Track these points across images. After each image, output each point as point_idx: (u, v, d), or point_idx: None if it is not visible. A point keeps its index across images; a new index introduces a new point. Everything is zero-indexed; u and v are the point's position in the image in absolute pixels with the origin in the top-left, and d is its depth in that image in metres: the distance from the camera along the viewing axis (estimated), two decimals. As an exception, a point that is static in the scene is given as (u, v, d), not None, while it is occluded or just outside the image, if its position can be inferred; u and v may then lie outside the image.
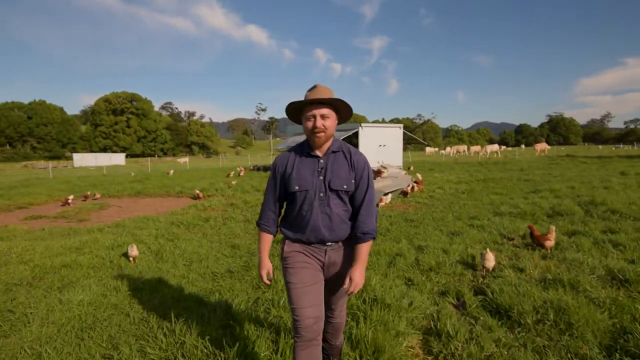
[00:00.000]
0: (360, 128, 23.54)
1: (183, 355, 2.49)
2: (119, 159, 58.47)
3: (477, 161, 29.51)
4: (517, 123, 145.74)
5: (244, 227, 7.22)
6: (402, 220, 7.53)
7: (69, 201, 11.68)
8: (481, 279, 3.95)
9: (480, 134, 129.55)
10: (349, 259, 2.00)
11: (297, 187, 1.93)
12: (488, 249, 4.18)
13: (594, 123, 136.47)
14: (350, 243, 2.00)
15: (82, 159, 55.45)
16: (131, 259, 4.94)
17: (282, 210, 2.12)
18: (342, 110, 2.00)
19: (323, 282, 2.01)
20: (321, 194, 1.92)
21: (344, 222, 1.97)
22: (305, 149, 2.00)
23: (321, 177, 1.93)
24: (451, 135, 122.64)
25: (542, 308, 2.98)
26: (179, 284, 4.06)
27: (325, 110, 1.90)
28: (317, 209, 1.92)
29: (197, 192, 11.85)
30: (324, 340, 2.23)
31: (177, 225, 7.27)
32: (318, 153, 1.97)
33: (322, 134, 1.90)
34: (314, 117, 1.89)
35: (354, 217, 2.01)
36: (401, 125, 26.16)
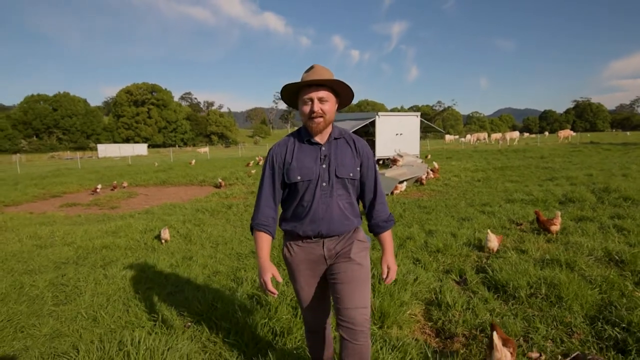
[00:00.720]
0: (377, 117, 23.63)
1: (216, 318, 2.90)
2: (141, 149, 60.00)
3: (497, 149, 29.24)
4: (541, 109, 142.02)
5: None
6: (415, 207, 7.82)
7: (98, 190, 12.40)
8: (484, 260, 4.26)
9: (503, 120, 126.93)
10: (352, 244, 1.87)
11: (299, 177, 1.78)
12: (489, 230, 4.48)
13: (623, 108, 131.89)
14: (350, 233, 1.89)
15: (107, 150, 57.22)
16: (163, 241, 5.43)
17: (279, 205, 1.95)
18: (342, 93, 1.83)
19: (326, 284, 1.92)
20: (324, 184, 1.79)
21: (345, 216, 1.83)
22: (304, 136, 1.84)
23: (324, 166, 1.79)
24: (472, 123, 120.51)
25: (535, 284, 3.28)
26: (208, 263, 4.50)
27: (323, 93, 1.73)
28: (319, 200, 1.78)
29: (220, 180, 12.39)
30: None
31: (202, 212, 7.76)
32: (319, 140, 1.82)
33: (321, 119, 1.75)
34: (311, 100, 1.73)
35: (369, 206, 1.92)
36: (418, 113, 26.05)
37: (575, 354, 2.33)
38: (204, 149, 50.12)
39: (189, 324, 2.90)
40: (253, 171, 15.74)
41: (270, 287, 1.74)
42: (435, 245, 4.65)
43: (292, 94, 1.82)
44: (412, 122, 25.77)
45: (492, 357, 2.03)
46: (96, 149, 62.96)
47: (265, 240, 1.84)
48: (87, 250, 5.19)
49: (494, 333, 2.05)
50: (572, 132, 42.04)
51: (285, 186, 1.86)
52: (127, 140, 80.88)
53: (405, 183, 10.72)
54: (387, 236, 1.91)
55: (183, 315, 3.04)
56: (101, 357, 2.35)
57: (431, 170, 12.92)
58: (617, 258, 3.91)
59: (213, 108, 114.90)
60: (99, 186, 12.69)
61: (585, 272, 3.56)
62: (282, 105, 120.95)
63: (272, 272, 1.77)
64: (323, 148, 1.82)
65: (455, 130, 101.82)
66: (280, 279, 1.76)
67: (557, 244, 4.69)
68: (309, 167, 1.78)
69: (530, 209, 7.02)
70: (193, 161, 23.80)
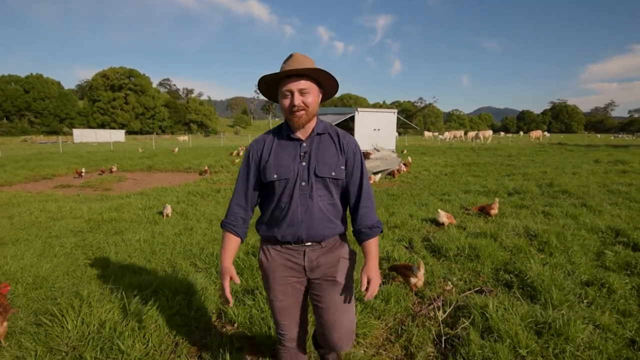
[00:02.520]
0: (356, 112, 24.68)
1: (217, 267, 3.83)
2: (119, 135, 59.25)
3: (471, 147, 30.72)
4: (520, 109, 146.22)
5: (249, 197, 8.52)
6: (384, 195, 8.86)
7: (82, 173, 12.84)
8: (431, 233, 5.31)
9: (482, 119, 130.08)
10: (339, 259, 1.74)
11: (275, 176, 1.65)
12: (440, 209, 5.55)
13: (598, 111, 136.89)
14: (337, 242, 1.76)
15: (82, 135, 56.20)
16: (165, 216, 6.28)
17: (254, 208, 1.83)
18: (326, 84, 1.69)
19: (303, 294, 1.81)
20: (303, 183, 1.64)
21: (328, 219, 1.68)
22: (284, 132, 1.71)
23: (304, 164, 1.65)
24: (452, 120, 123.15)
25: (462, 247, 4.34)
26: (205, 232, 5.40)
27: (304, 84, 1.59)
28: (297, 201, 1.64)
29: (206, 168, 13.16)
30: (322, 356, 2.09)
31: (193, 195, 8.58)
32: (300, 135, 1.69)
33: (303, 112, 1.60)
34: (291, 92, 1.59)
35: (353, 210, 1.76)
36: (395, 110, 27.11)
37: (477, 288, 3.38)
38: (184, 137, 50.10)
39: (199, 269, 3.82)
40: (237, 160, 16.53)
41: (228, 292, 1.66)
42: (394, 222, 5.68)
43: (271, 86, 1.68)
44: (389, 118, 26.93)
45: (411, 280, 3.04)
46: (70, 134, 61.66)
47: (230, 242, 1.73)
48: (97, 222, 5.99)
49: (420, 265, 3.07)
50: (543, 133, 44.27)
51: (262, 186, 1.73)
52: (102, 126, 79.35)
53: (379, 175, 11.82)
54: (372, 244, 1.72)
55: (195, 265, 3.96)
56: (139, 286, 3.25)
57: (404, 164, 14.06)
58: (532, 233, 5.02)
59: (193, 96, 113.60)
60: (83, 170, 13.13)
61: (504, 241, 4.65)
62: (264, 96, 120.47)
63: (230, 275, 1.67)
64: (304, 144, 1.67)
65: (435, 127, 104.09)
66: (237, 280, 1.68)
67: (492, 223, 5.79)
68: (286, 165, 1.65)
69: (483, 198, 8.15)
70: (176, 149, 24.33)
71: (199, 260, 4.05)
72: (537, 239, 4.80)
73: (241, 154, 21.72)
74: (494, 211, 6.19)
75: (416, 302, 3.19)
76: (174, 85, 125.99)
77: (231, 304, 1.70)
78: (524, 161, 17.50)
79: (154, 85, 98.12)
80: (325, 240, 1.71)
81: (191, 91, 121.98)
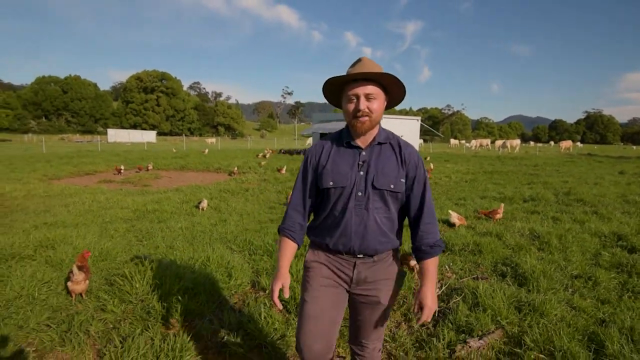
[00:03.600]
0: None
1: (253, 251, 4.45)
2: (150, 136, 61.40)
3: (497, 155, 30.52)
4: (553, 118, 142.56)
5: (276, 197, 9.15)
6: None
7: (121, 170, 13.87)
8: (441, 231, 5.78)
9: (512, 128, 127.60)
10: (386, 277, 1.68)
11: (331, 183, 1.60)
12: (451, 211, 6.02)
13: (636, 122, 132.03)
14: (388, 259, 1.69)
15: (116, 135, 58.64)
16: (201, 209, 6.99)
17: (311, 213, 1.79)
18: (393, 90, 1.63)
19: (343, 309, 1.72)
20: (359, 193, 1.58)
21: (383, 233, 1.61)
22: (344, 138, 1.66)
23: (362, 173, 1.59)
24: (481, 128, 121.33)
25: (467, 244, 4.81)
26: (238, 224, 6.05)
27: (371, 89, 1.55)
28: (352, 211, 1.58)
29: (235, 168, 13.95)
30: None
31: (224, 192, 9.30)
32: (360, 143, 1.64)
33: (367, 118, 1.56)
34: (357, 97, 1.55)
35: (413, 226, 1.70)
36: (419, 117, 27.70)
37: (474, 276, 3.87)
38: (211, 140, 51.64)
39: (235, 251, 4.46)
40: (263, 162, 17.30)
41: (276, 298, 1.61)
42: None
43: (335, 89, 1.65)
44: (413, 125, 27.50)
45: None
46: (104, 133, 64.43)
47: (288, 247, 1.69)
48: (142, 212, 6.74)
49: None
50: (575, 143, 43.18)
51: (318, 192, 1.69)
52: (134, 127, 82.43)
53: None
54: (430, 265, 1.64)
55: (230, 248, 4.60)
56: (186, 263, 3.90)
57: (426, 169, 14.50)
58: (536, 234, 5.43)
59: (221, 99, 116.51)
60: (122, 167, 14.18)
61: (507, 240, 5.09)
62: (290, 100, 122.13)
63: (282, 283, 1.62)
64: (363, 153, 1.62)
65: (463, 135, 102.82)
66: (287, 294, 1.61)
67: (500, 225, 6.20)
68: (344, 172, 1.60)
69: (497, 204, 8.52)
70: (206, 150, 25.42)
71: (234, 245, 4.69)
72: (539, 240, 5.22)
73: (267, 156, 22.53)
74: (499, 216, 6.59)
75: (419, 283, 3.72)
76: (204, 88, 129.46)
77: (280, 309, 1.69)
78: (548, 171, 17.47)
79: (184, 88, 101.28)
80: (378, 255, 1.64)
81: (219, 94, 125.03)
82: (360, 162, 1.61)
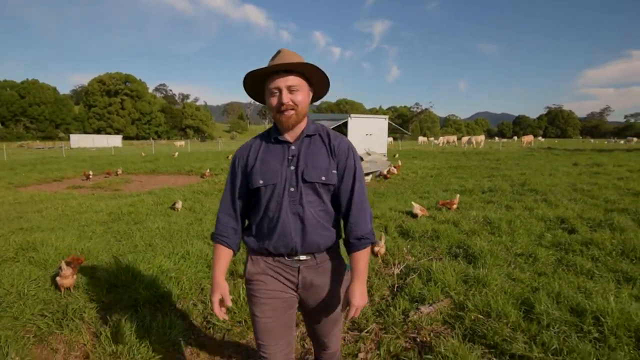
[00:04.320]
0: (349, 118, 25.80)
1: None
2: (116, 141, 59.95)
3: (462, 151, 31.69)
4: (517, 114, 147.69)
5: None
6: (371, 193, 9.80)
7: (90, 176, 13.73)
8: (404, 221, 6.26)
9: (479, 124, 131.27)
10: (331, 278, 1.65)
11: (261, 182, 1.55)
12: (413, 202, 6.51)
13: (594, 116, 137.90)
14: (331, 257, 1.65)
15: (79, 140, 56.85)
16: (177, 209, 7.19)
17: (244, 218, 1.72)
18: (316, 81, 1.59)
19: (294, 312, 1.69)
20: (292, 189, 1.54)
21: (322, 226, 1.58)
22: (272, 134, 1.62)
23: (292, 167, 1.55)
24: (449, 125, 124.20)
25: (427, 231, 5.30)
26: (213, 223, 6.29)
27: (293, 80, 1.50)
28: (287, 209, 1.53)
29: (207, 171, 14.08)
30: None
31: (198, 193, 9.50)
32: (288, 138, 1.59)
33: (292, 112, 1.51)
34: (279, 90, 1.50)
35: (344, 218, 1.64)
36: (386, 116, 28.37)
37: (430, 257, 4.33)
38: (180, 143, 50.92)
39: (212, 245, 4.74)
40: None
41: (217, 309, 1.58)
42: (375, 214, 6.61)
43: (258, 84, 1.59)
44: (381, 124, 28.09)
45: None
46: (66, 139, 62.19)
47: (222, 255, 1.64)
48: (117, 215, 6.88)
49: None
50: (537, 138, 45.12)
51: (250, 194, 1.63)
52: (98, 131, 80.00)
53: (370, 176, 12.82)
54: (359, 258, 1.59)
55: (209, 244, 4.88)
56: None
57: (394, 167, 15.06)
58: (489, 220, 5.98)
59: (188, 101, 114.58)
60: (91, 172, 14.01)
61: (462, 227, 5.60)
62: (251, 99, 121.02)
63: (221, 293, 1.58)
64: (292, 147, 1.58)
65: (431, 132, 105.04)
66: (229, 303, 1.57)
67: (457, 214, 6.74)
68: (273, 169, 1.55)
69: (460, 197, 9.12)
70: (176, 154, 25.23)
71: (211, 241, 4.98)
72: (490, 225, 5.76)
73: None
74: (455, 206, 7.14)
75: (382, 265, 4.13)
76: (170, 90, 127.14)
77: (225, 318, 1.62)
78: (509, 164, 18.43)
79: (150, 90, 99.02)
80: (320, 254, 1.60)
81: (187, 96, 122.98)
82: (290, 157, 1.57)
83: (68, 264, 3.32)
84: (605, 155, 22.71)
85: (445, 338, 2.56)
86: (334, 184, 1.57)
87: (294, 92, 1.50)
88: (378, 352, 2.50)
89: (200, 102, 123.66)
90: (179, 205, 7.23)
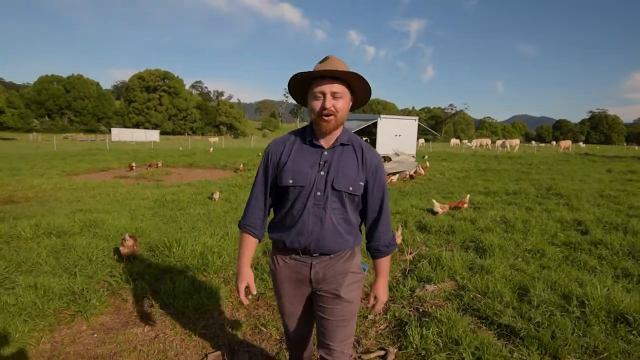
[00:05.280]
0: (379, 119, 26.11)
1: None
2: (153, 135, 62.19)
3: (495, 154, 31.19)
4: (557, 118, 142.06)
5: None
6: (396, 192, 10.19)
7: (133, 167, 14.79)
8: (423, 217, 6.65)
9: (516, 127, 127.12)
10: (344, 273, 1.69)
11: (290, 181, 1.61)
12: (434, 200, 6.89)
13: None
14: (347, 257, 1.71)
15: (120, 134, 59.46)
16: (215, 199, 7.87)
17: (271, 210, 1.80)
18: (359, 90, 1.63)
19: (310, 302, 1.81)
20: (318, 193, 1.60)
21: (339, 233, 1.63)
22: (307, 136, 1.66)
23: (322, 173, 1.60)
24: (484, 128, 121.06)
25: (444, 226, 5.69)
26: (247, 212, 6.92)
27: (337, 87, 1.54)
28: (310, 210, 1.60)
29: (240, 166, 14.86)
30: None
31: (232, 186, 10.20)
32: (322, 143, 1.64)
33: (332, 117, 1.55)
34: (324, 95, 1.54)
35: (370, 227, 1.74)
36: (416, 118, 28.49)
37: (442, 248, 4.74)
38: (214, 139, 52.47)
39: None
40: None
41: (243, 296, 1.69)
42: (397, 210, 7.05)
43: (302, 86, 1.64)
44: (410, 125, 28.24)
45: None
46: (107, 132, 65.20)
47: (248, 243, 1.73)
48: (162, 202, 7.62)
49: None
50: (577, 143, 43.34)
51: (278, 189, 1.69)
52: (137, 126, 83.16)
53: (396, 175, 13.21)
54: (384, 262, 1.75)
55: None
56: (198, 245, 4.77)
57: (422, 167, 15.34)
58: (505, 220, 6.30)
59: (223, 98, 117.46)
60: (134, 164, 15.09)
61: (478, 224, 5.95)
62: (292, 100, 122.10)
63: (247, 281, 1.70)
64: (325, 153, 1.63)
65: (466, 134, 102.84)
66: (254, 291, 1.70)
67: (476, 212, 7.06)
68: (304, 171, 1.61)
69: (482, 197, 9.38)
70: (211, 149, 26.38)
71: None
72: (506, 224, 6.08)
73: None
74: (465, 205, 7.45)
75: (397, 253, 4.58)
76: (206, 87, 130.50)
77: (247, 303, 1.71)
78: (541, 169, 18.16)
79: (186, 87, 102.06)
80: (334, 254, 1.67)
81: (221, 94, 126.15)
82: (322, 162, 1.61)
83: (131, 236, 3.97)
84: (643, 163, 21.99)
85: (443, 309, 3.01)
86: (358, 195, 1.65)
87: (337, 98, 1.55)
88: (385, 316, 2.97)
89: (233, 100, 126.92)
90: (217, 195, 7.91)
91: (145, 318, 2.96)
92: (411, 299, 3.27)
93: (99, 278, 3.52)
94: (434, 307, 3.13)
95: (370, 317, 2.92)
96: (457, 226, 5.65)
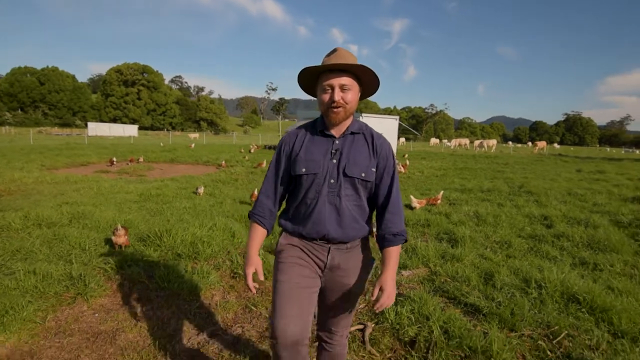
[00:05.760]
0: (360, 117, 26.52)
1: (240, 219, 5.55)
2: (132, 130, 61.03)
3: (472, 154, 32.06)
4: (534, 119, 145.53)
5: (262, 185, 10.25)
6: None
7: (114, 162, 14.70)
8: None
9: (494, 128, 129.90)
10: (358, 265, 1.73)
11: (304, 170, 1.64)
12: (412, 196, 7.24)
13: (614, 125, 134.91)
14: (361, 246, 1.75)
15: (97, 129, 58.00)
16: (199, 193, 8.03)
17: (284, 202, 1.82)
18: (367, 82, 1.68)
19: (317, 290, 1.73)
20: (332, 181, 1.62)
21: (354, 219, 1.66)
22: (318, 127, 1.70)
23: (334, 161, 1.64)
24: (463, 128, 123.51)
25: (420, 220, 6.04)
26: (233, 205, 7.12)
27: (346, 80, 1.58)
28: (325, 198, 1.62)
29: (223, 162, 14.96)
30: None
31: (216, 181, 10.35)
32: (333, 132, 1.68)
33: (341, 109, 1.60)
34: (332, 87, 1.58)
35: (379, 214, 1.74)
36: (397, 117, 29.04)
37: (418, 239, 5.07)
38: (194, 135, 51.98)
39: (235, 221, 5.55)
40: (247, 157, 18.34)
41: (250, 281, 1.67)
42: (376, 205, 7.37)
43: (311, 78, 1.68)
44: (391, 124, 28.82)
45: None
46: (83, 127, 63.52)
47: (257, 233, 1.74)
48: (146, 196, 7.73)
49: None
50: (552, 144, 44.84)
51: (291, 179, 1.73)
52: (114, 120, 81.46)
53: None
54: (393, 252, 1.70)
55: (231, 219, 5.69)
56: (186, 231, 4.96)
57: (402, 166, 15.76)
58: (479, 215, 6.69)
59: (203, 94, 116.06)
60: (114, 159, 15.00)
61: (452, 218, 6.33)
62: (274, 96, 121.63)
63: (255, 267, 1.68)
64: (336, 141, 1.67)
65: (445, 134, 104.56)
66: (262, 277, 1.67)
67: (451, 208, 7.45)
68: (316, 160, 1.65)
69: (458, 194, 9.82)
70: (192, 145, 26.26)
71: (233, 218, 5.78)
72: (478, 218, 6.48)
73: (252, 150, 23.49)
74: (439, 201, 7.85)
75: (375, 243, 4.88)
76: (186, 82, 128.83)
77: (254, 292, 1.68)
78: (515, 168, 18.83)
79: (166, 82, 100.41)
80: (351, 242, 1.69)
81: (202, 89, 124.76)
82: (333, 151, 1.65)
83: (122, 226, 4.15)
84: (612, 164, 22.94)
85: (416, 290, 3.32)
86: (371, 182, 1.67)
87: (346, 91, 1.59)
88: (364, 297, 3.26)
89: (214, 95, 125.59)
90: (201, 190, 8.07)
91: (143, 299, 3.17)
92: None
93: (94, 265, 3.69)
94: (408, 289, 3.43)
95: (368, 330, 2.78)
96: (432, 220, 6.01)
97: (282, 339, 1.54)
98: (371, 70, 1.58)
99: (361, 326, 2.75)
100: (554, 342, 2.67)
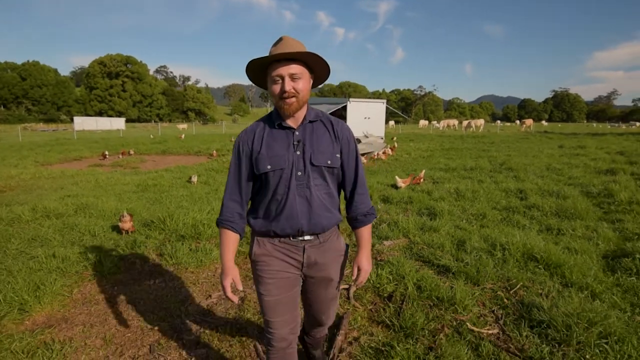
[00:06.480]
0: (348, 102, 26.83)
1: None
2: (119, 123, 60.42)
3: (460, 134, 32.55)
4: (523, 97, 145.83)
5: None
6: (365, 171, 10.90)
7: (106, 155, 14.92)
8: (386, 191, 7.44)
9: (483, 107, 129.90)
10: (333, 257, 1.74)
11: (269, 167, 1.59)
12: (397, 176, 7.69)
13: (601, 100, 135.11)
14: (334, 237, 1.75)
15: (83, 123, 57.20)
16: (193, 182, 8.38)
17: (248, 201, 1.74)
18: (317, 68, 1.62)
19: (300, 286, 1.77)
20: (299, 173, 1.59)
21: (326, 208, 1.66)
22: (275, 120, 1.64)
23: (298, 152, 1.60)
24: (453, 109, 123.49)
25: (404, 198, 6.49)
26: (227, 192, 7.49)
27: (295, 69, 1.52)
28: (295, 192, 1.59)
29: (214, 151, 15.25)
30: (305, 334, 2.14)
31: (209, 170, 10.69)
32: (291, 124, 1.63)
33: (293, 99, 1.54)
34: (282, 78, 1.51)
35: (348, 197, 1.77)
36: (385, 100, 29.37)
37: (400, 214, 5.52)
38: (183, 125, 51.69)
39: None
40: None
41: (229, 293, 1.61)
42: (363, 186, 7.80)
43: (260, 71, 1.61)
44: (379, 108, 29.18)
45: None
46: (68, 121, 62.64)
47: (229, 240, 1.67)
48: (143, 186, 8.08)
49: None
50: (540, 122, 45.18)
51: (255, 178, 1.67)
52: (99, 114, 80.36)
53: (365, 156, 14.01)
54: (365, 232, 1.77)
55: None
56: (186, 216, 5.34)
57: (390, 148, 16.21)
58: (459, 191, 7.16)
59: (190, 83, 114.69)
60: (107, 153, 15.21)
61: (434, 195, 6.79)
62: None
63: (232, 277, 1.62)
64: (296, 132, 1.62)
65: (435, 115, 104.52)
66: (240, 287, 1.62)
67: (433, 185, 7.91)
68: (280, 154, 1.60)
69: (442, 173, 10.28)
70: (182, 136, 26.38)
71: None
72: (458, 194, 6.95)
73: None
74: (421, 180, 8.32)
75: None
76: (171, 72, 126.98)
77: (236, 302, 1.67)
78: (501, 147, 19.29)
79: (151, 72, 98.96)
80: (323, 234, 1.69)
81: (188, 78, 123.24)
82: (295, 142, 1.61)
83: (128, 213, 4.52)
84: (595, 139, 23.49)
85: (396, 256, 3.77)
86: (337, 167, 1.67)
87: (296, 80, 1.53)
88: (350, 263, 3.70)
89: (201, 84, 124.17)
90: (195, 179, 8.43)
91: (155, 273, 3.58)
92: (371, 252, 4.01)
93: (107, 248, 4.07)
94: (390, 256, 3.88)
95: (353, 288, 3.20)
96: (415, 197, 6.46)
97: (275, 341, 1.69)
98: (319, 57, 1.54)
99: (346, 286, 3.19)
100: (511, 292, 3.14)
